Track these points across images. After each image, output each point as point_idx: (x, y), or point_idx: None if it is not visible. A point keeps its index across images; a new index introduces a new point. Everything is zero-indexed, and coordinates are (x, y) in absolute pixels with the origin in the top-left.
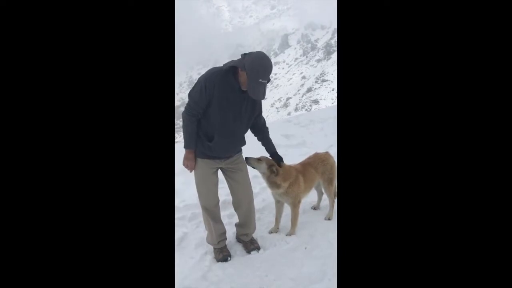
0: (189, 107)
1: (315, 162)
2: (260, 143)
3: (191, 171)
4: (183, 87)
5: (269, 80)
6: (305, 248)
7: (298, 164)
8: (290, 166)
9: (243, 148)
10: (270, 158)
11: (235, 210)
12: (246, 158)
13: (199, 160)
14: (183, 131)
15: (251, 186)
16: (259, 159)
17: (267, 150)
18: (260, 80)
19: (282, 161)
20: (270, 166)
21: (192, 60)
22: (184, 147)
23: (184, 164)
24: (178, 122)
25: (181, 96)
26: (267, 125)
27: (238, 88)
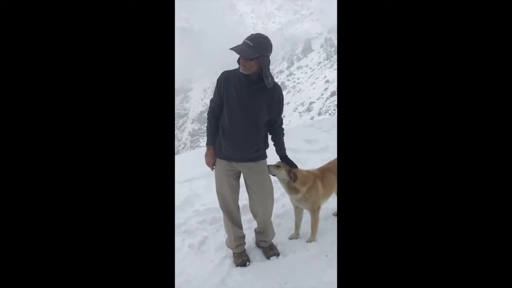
0: (209, 106)
1: (335, 167)
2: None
3: (211, 168)
4: (207, 93)
5: (265, 54)
6: (326, 256)
7: (316, 169)
8: (308, 171)
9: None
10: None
11: (253, 217)
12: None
13: (218, 161)
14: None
15: (270, 196)
16: (278, 166)
17: (277, 151)
18: (246, 40)
19: (295, 166)
20: (288, 172)
21: (216, 66)
22: (206, 144)
23: (205, 161)
24: (202, 128)
25: (205, 102)
26: (283, 126)
27: (247, 81)
